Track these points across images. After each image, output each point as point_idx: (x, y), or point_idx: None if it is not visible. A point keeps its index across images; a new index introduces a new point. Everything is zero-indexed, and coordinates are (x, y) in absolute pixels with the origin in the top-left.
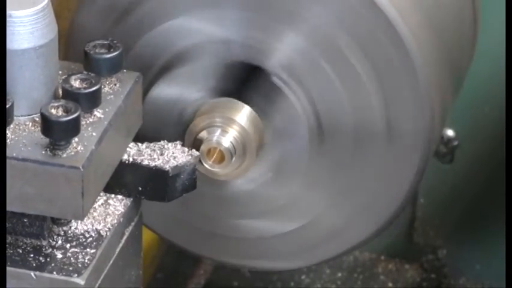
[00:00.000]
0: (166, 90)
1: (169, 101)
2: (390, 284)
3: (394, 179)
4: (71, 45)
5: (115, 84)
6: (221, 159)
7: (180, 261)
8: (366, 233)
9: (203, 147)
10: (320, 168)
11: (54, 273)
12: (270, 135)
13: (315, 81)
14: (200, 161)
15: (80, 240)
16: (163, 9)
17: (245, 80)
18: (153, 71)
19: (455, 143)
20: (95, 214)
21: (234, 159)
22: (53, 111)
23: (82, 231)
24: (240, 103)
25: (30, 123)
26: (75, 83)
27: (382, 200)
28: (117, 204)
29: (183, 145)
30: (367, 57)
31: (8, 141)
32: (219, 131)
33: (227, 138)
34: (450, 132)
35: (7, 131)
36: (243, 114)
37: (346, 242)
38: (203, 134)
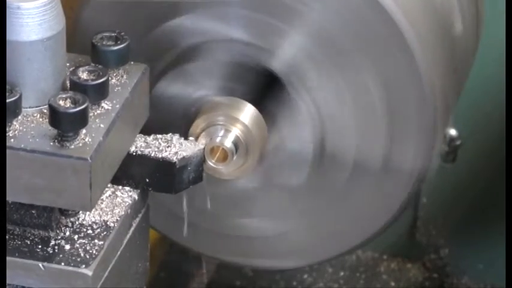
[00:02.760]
0: (170, 88)
1: (173, 99)
2: (392, 283)
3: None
4: (75, 44)
5: (122, 76)
6: (224, 158)
7: (183, 260)
8: (367, 233)
9: (206, 146)
10: (320, 173)
11: (62, 264)
12: (273, 134)
13: (320, 82)
14: (204, 160)
15: (88, 231)
16: (169, 7)
17: (249, 80)
18: (158, 68)
19: (458, 142)
20: (103, 205)
21: (237, 158)
22: (61, 102)
23: (90, 223)
24: (244, 102)
25: (38, 115)
26: (83, 74)
27: (381, 205)
28: (125, 196)
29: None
30: (370, 58)
31: (16, 132)
32: (222, 130)
33: (230, 137)
34: (453, 132)
35: (15, 123)
36: (247, 113)
37: (348, 241)
38: (206, 133)
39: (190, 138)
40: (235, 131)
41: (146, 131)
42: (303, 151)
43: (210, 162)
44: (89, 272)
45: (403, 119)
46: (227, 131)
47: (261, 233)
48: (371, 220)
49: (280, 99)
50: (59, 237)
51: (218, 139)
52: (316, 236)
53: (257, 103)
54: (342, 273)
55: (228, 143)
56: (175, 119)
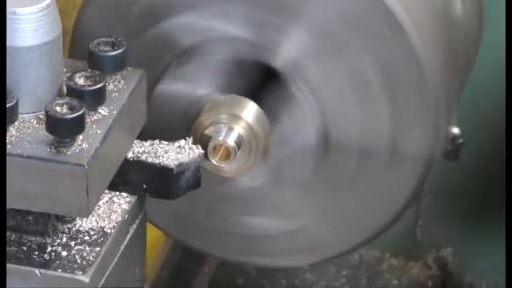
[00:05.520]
0: (172, 86)
1: (176, 97)
2: (395, 282)
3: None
4: (76, 42)
5: (119, 82)
6: (227, 156)
7: (185, 258)
8: (368, 231)
9: (209, 144)
10: (324, 173)
11: (59, 270)
12: (277, 133)
13: (323, 81)
14: (206, 158)
15: (85, 237)
16: (169, 5)
17: (252, 78)
18: (160, 67)
19: (461, 140)
20: (100, 211)
21: (239, 156)
22: (58, 108)
23: (86, 229)
24: (246, 100)
25: (35, 121)
26: (80, 80)
27: (383, 203)
28: (122, 202)
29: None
30: (367, 45)
31: (12, 138)
32: (225, 128)
33: (233, 135)
34: (455, 130)
35: (12, 129)
36: (249, 111)
37: (349, 241)
38: (209, 131)
39: (188, 139)
40: (238, 129)
41: (147, 132)
42: (306, 145)
43: (213, 161)
44: (85, 279)
45: (404, 103)
46: (230, 129)
47: (265, 231)
48: (381, 211)
49: (282, 95)
50: (56, 244)
51: (221, 137)
52: (327, 231)
53: (259, 100)
54: (344, 272)
55: (231, 141)
56: (177, 119)
